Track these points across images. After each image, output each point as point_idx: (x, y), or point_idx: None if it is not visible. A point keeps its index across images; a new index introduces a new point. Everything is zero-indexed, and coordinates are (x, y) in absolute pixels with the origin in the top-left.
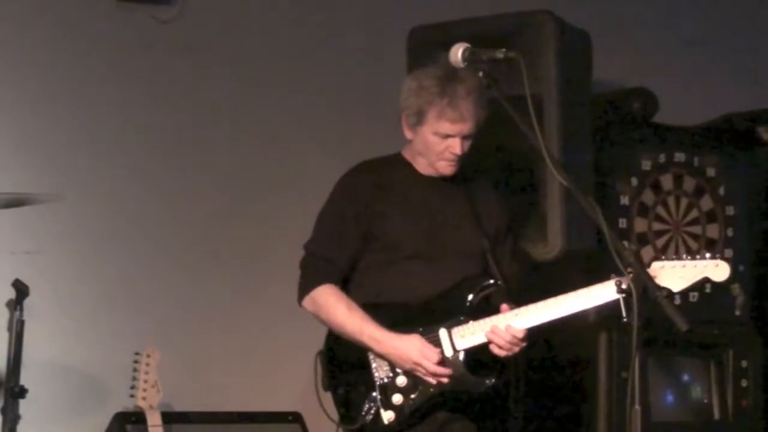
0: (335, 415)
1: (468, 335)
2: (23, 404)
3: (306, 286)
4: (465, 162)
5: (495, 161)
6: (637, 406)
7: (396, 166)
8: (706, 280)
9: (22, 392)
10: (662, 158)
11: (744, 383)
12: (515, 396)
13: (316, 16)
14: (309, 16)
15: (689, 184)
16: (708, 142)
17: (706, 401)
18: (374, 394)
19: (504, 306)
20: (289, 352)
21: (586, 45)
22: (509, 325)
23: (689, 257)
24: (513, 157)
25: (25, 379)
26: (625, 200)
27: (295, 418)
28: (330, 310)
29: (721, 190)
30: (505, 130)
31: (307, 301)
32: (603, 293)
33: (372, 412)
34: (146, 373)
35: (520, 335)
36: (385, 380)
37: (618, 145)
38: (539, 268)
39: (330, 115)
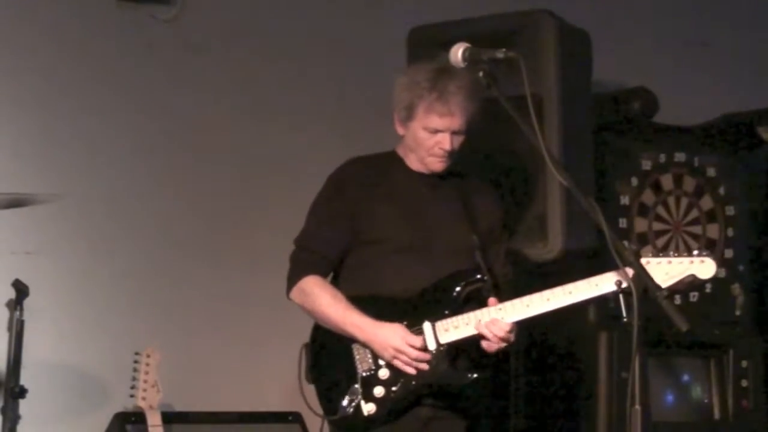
0: (319, 408)
1: (452, 329)
2: (23, 404)
3: (294, 277)
4: (459, 159)
5: (495, 161)
6: (637, 406)
7: (388, 162)
8: (692, 277)
9: (22, 392)
10: (662, 158)
11: (744, 383)
12: (515, 395)
13: (315, 16)
14: (309, 16)
15: (689, 184)
16: (708, 142)
17: (706, 401)
18: (356, 386)
19: (491, 299)
20: (289, 352)
21: (586, 45)
22: (496, 319)
23: (675, 253)
24: (513, 157)
25: (25, 379)
26: (625, 200)
27: (295, 418)
28: (315, 299)
29: (721, 190)
30: (505, 130)
31: (294, 292)
32: (589, 290)
33: (353, 404)
34: (146, 373)
35: (507, 328)
36: (368, 372)
37: (618, 145)
38: (539, 269)
39: (330, 115)
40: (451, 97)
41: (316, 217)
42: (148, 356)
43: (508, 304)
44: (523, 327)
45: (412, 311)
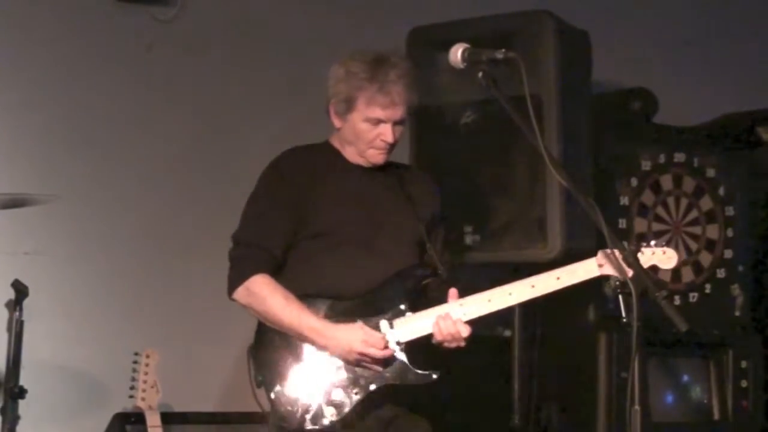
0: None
1: (410, 326)
2: (23, 405)
3: (238, 276)
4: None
5: (495, 162)
6: (637, 407)
7: (325, 153)
8: (654, 268)
9: (22, 393)
10: (662, 158)
11: (744, 384)
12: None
13: (315, 16)
14: (308, 17)
15: (689, 184)
16: (708, 142)
17: (705, 402)
18: (313, 390)
19: (452, 291)
20: None
21: (585, 45)
22: (459, 319)
23: (634, 246)
24: (512, 158)
25: (24, 380)
26: (624, 200)
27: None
28: (266, 301)
29: (721, 191)
30: (504, 130)
31: (240, 293)
32: (548, 283)
33: (312, 409)
34: (146, 373)
35: (465, 333)
36: (325, 375)
37: (618, 145)
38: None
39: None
40: (392, 87)
41: (257, 210)
42: (148, 357)
43: (470, 299)
44: (522, 327)
45: (366, 309)
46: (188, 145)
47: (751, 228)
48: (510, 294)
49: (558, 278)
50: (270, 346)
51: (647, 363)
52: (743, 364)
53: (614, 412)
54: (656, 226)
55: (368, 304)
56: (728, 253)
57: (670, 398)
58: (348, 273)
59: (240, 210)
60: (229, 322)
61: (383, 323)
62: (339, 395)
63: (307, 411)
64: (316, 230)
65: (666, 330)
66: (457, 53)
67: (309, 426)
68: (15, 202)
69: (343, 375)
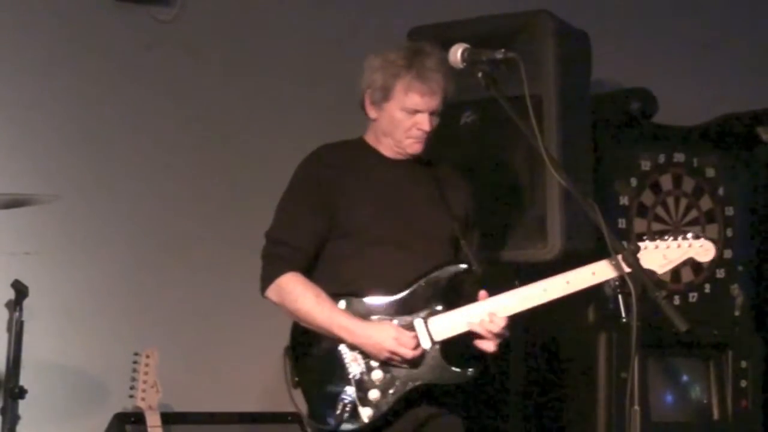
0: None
1: (445, 325)
2: (23, 405)
3: (270, 274)
4: (430, 146)
5: (494, 162)
6: (637, 407)
7: (359, 149)
8: (691, 260)
9: (22, 393)
10: (662, 158)
11: (743, 383)
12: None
13: (315, 16)
14: (308, 17)
15: (688, 184)
16: (707, 142)
17: (705, 401)
18: (349, 390)
19: (482, 293)
20: None
21: (585, 45)
22: (492, 313)
23: (672, 237)
24: (512, 158)
25: (24, 380)
26: (624, 200)
27: (295, 418)
28: (297, 299)
29: (721, 191)
30: (504, 130)
31: (271, 291)
32: (587, 278)
33: (348, 409)
34: (146, 373)
35: (502, 324)
36: (360, 375)
37: (617, 145)
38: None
39: (329, 115)
40: (430, 74)
41: (290, 208)
42: (148, 357)
43: (502, 296)
44: (522, 328)
45: (401, 308)
46: (188, 145)
47: (751, 228)
48: (545, 290)
49: (594, 273)
50: (306, 346)
51: (647, 363)
52: (743, 364)
53: (613, 413)
54: (656, 226)
55: (402, 303)
56: (728, 253)
57: (669, 398)
58: (381, 271)
59: (240, 209)
60: (229, 321)
61: (418, 322)
62: (375, 395)
63: (344, 411)
64: (348, 228)
65: (666, 330)
66: (456, 53)
67: (346, 426)
68: (15, 202)
69: (379, 375)
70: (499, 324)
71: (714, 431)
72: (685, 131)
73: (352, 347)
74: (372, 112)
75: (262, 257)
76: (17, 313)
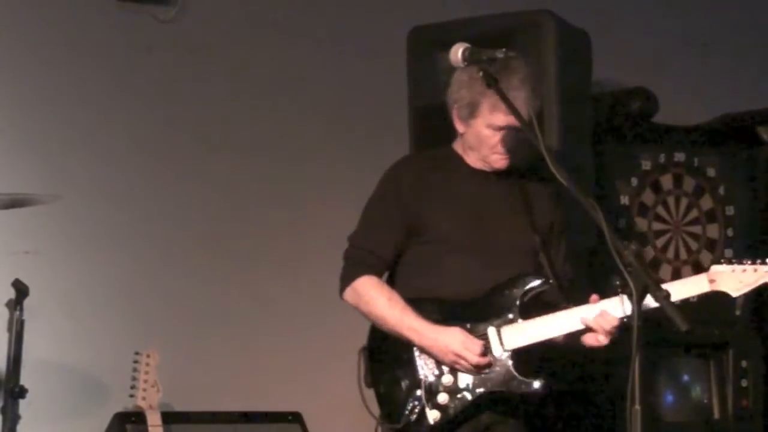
0: (377, 413)
1: (517, 335)
2: (23, 404)
3: (348, 277)
4: (519, 156)
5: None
6: (638, 406)
7: (445, 159)
8: (767, 286)
9: (22, 392)
10: (662, 158)
11: (744, 383)
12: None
13: (316, 16)
14: (309, 17)
15: (689, 184)
16: (708, 142)
17: (705, 401)
18: (419, 392)
19: (593, 297)
20: (289, 352)
21: (585, 45)
22: (605, 311)
23: (749, 261)
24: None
25: (24, 379)
26: (624, 200)
27: (295, 418)
28: (370, 301)
29: (721, 190)
30: None
31: (348, 293)
32: (690, 288)
33: (416, 411)
34: (146, 372)
35: (615, 322)
36: (431, 378)
37: (618, 144)
38: None
39: (330, 115)
40: (516, 93)
41: (370, 215)
42: (148, 356)
43: (605, 302)
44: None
45: (475, 315)
46: (189, 145)
47: (751, 228)
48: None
49: (713, 281)
50: (380, 347)
51: (647, 362)
52: (743, 363)
53: (614, 411)
54: (656, 226)
55: (477, 311)
56: (728, 253)
57: (670, 398)
58: (458, 280)
59: (242, 209)
60: (230, 321)
61: (491, 330)
62: (444, 399)
63: (412, 412)
64: (429, 237)
65: (666, 329)
66: (457, 53)
67: (414, 428)
68: (16, 202)
69: (449, 379)
70: (611, 322)
71: (714, 431)
72: (685, 131)
73: (424, 351)
74: (460, 127)
75: (343, 259)
76: (18, 313)
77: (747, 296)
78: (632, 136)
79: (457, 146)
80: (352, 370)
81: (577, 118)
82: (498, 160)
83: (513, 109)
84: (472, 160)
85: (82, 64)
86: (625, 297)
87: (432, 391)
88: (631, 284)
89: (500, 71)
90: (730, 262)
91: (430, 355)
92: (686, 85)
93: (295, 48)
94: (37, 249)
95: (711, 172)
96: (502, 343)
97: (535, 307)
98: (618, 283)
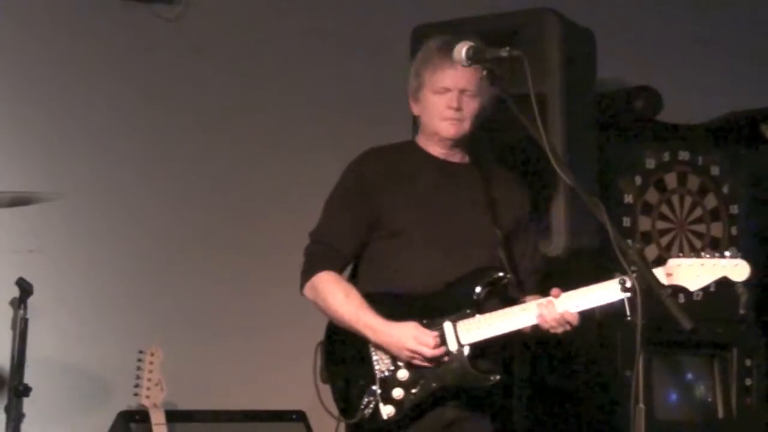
0: (334, 409)
1: (474, 329)
2: (27, 403)
3: (307, 272)
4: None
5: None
6: (641, 405)
7: (407, 151)
8: (725, 279)
9: (26, 391)
10: (666, 157)
11: (748, 382)
12: (519, 395)
13: (319, 14)
14: (312, 15)
15: (693, 182)
16: (712, 140)
17: (709, 400)
18: (374, 387)
19: (554, 290)
20: (293, 351)
21: (590, 43)
22: (551, 301)
23: (708, 255)
24: (517, 156)
25: (28, 378)
26: (629, 199)
27: (300, 416)
28: (328, 297)
29: (725, 189)
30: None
31: (307, 289)
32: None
33: (371, 406)
34: (150, 371)
35: (574, 321)
36: (386, 373)
37: (622, 143)
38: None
39: (333, 114)
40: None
41: (331, 209)
42: (152, 354)
43: (564, 296)
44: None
45: (433, 310)
46: (192, 144)
47: (755, 226)
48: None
49: (669, 274)
50: (338, 342)
51: (651, 361)
52: (747, 362)
53: (618, 411)
54: (660, 225)
55: (435, 305)
56: (732, 252)
57: (674, 397)
58: (418, 273)
59: (244, 207)
60: (234, 320)
61: (447, 324)
62: (398, 394)
63: (367, 407)
64: (389, 231)
65: (670, 328)
66: (461, 51)
67: (367, 424)
68: (19, 200)
69: (404, 374)
70: (552, 313)
71: (718, 429)
72: (689, 129)
73: (379, 346)
74: (415, 108)
75: (304, 255)
76: (21, 311)
77: (751, 295)
78: (636, 135)
79: (419, 138)
80: None
81: (581, 117)
82: (447, 127)
83: (516, 108)
84: (432, 147)
85: (85, 63)
86: (578, 291)
87: (387, 386)
88: (635, 283)
89: (444, 42)
90: (688, 255)
91: (386, 351)
92: (690, 83)
93: (299, 47)
94: (40, 247)
95: (715, 170)
96: (458, 338)
97: (495, 301)
98: (622, 281)
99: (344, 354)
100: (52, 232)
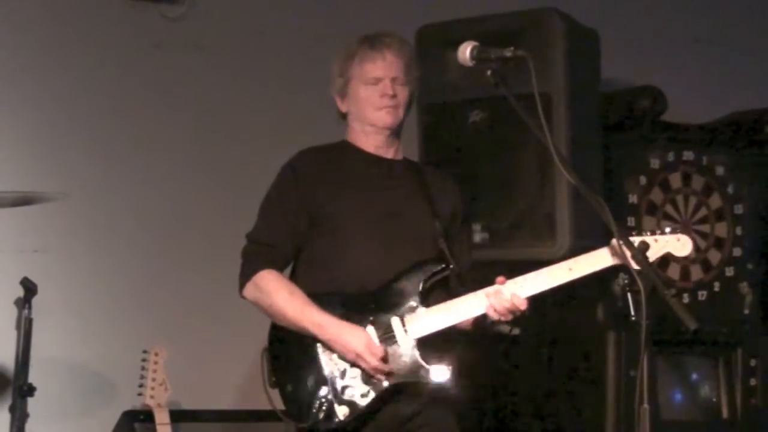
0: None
1: (421, 323)
2: (31, 402)
3: (246, 273)
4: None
5: (503, 159)
6: (646, 405)
7: (341, 149)
8: (669, 255)
9: (31, 390)
10: (671, 157)
11: (752, 382)
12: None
13: (323, 14)
14: (316, 15)
15: (698, 182)
16: (716, 140)
17: (714, 400)
18: (325, 389)
19: (500, 279)
20: None
21: (594, 43)
22: (514, 294)
23: (649, 233)
24: (521, 156)
25: (33, 378)
26: (633, 199)
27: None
28: (271, 294)
29: (730, 189)
30: (513, 128)
31: (248, 288)
32: (593, 263)
33: (324, 408)
34: (154, 371)
35: (523, 306)
36: (336, 374)
37: (626, 143)
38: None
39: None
40: (382, 45)
41: (267, 210)
42: (157, 354)
43: (510, 283)
44: (531, 327)
45: (378, 306)
46: (196, 143)
47: (760, 226)
48: (552, 275)
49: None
50: (282, 345)
51: (656, 361)
52: (752, 362)
53: (623, 411)
54: (665, 225)
55: (380, 301)
56: (737, 251)
57: (678, 397)
58: (361, 270)
59: (247, 207)
60: (238, 319)
61: (394, 320)
62: (352, 393)
63: (320, 410)
64: (328, 226)
65: (675, 328)
66: (465, 51)
67: (323, 426)
68: (23, 200)
69: (356, 373)
70: (514, 301)
71: (723, 430)
72: (694, 129)
73: (327, 347)
74: (342, 106)
75: (241, 256)
76: (26, 311)
77: (756, 295)
78: (641, 135)
79: (350, 135)
80: None
81: (585, 117)
82: (383, 116)
83: (520, 108)
84: (365, 142)
85: (90, 62)
86: (525, 277)
87: (339, 386)
88: (640, 283)
89: (365, 37)
90: (631, 234)
91: (333, 350)
92: (695, 83)
93: (302, 47)
94: (45, 247)
95: (720, 170)
96: (406, 333)
97: (441, 293)
98: (626, 281)
99: (291, 357)
100: (56, 232)
